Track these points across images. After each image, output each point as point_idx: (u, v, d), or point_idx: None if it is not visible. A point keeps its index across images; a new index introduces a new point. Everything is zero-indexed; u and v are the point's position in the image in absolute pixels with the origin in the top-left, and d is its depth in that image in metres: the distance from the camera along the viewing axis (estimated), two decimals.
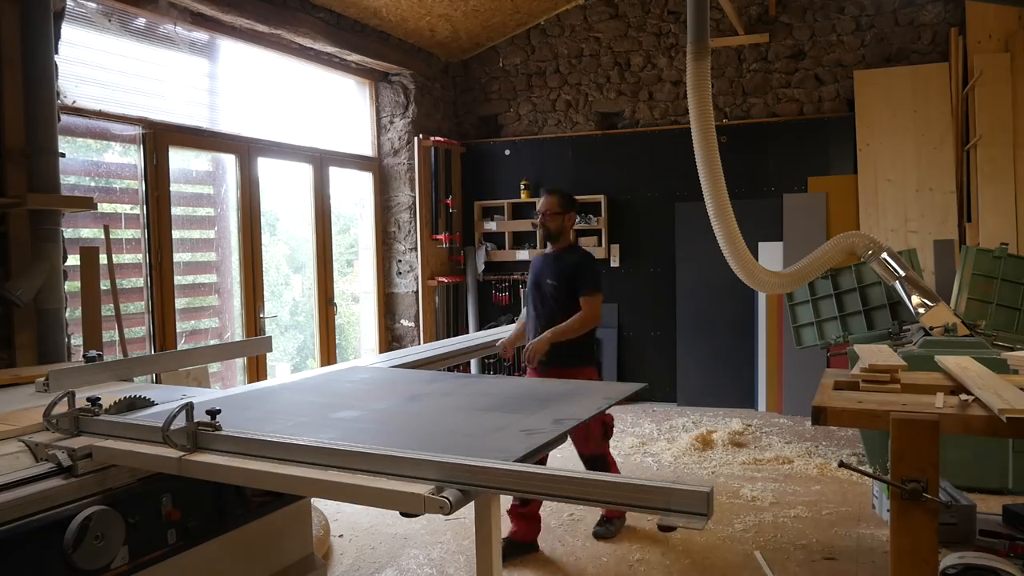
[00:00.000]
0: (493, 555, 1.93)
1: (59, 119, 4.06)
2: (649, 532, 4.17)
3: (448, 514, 1.62)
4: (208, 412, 1.94)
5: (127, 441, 1.99)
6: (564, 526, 4.28)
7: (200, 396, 2.75)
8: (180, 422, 1.90)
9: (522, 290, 7.87)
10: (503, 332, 5.11)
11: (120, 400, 2.49)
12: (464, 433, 2.02)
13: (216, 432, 1.91)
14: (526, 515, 3.94)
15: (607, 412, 3.87)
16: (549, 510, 4.53)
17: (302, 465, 1.78)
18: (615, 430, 6.44)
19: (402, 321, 7.55)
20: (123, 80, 4.90)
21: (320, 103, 6.91)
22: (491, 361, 7.86)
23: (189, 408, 1.91)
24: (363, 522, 4.45)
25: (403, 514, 1.73)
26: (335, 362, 6.41)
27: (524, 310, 4.35)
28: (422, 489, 1.63)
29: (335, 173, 6.86)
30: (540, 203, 4.16)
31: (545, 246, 4.25)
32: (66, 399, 2.09)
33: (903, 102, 6.68)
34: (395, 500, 1.65)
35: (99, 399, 2.15)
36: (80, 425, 2.09)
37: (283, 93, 6.40)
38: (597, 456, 4.04)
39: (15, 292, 3.73)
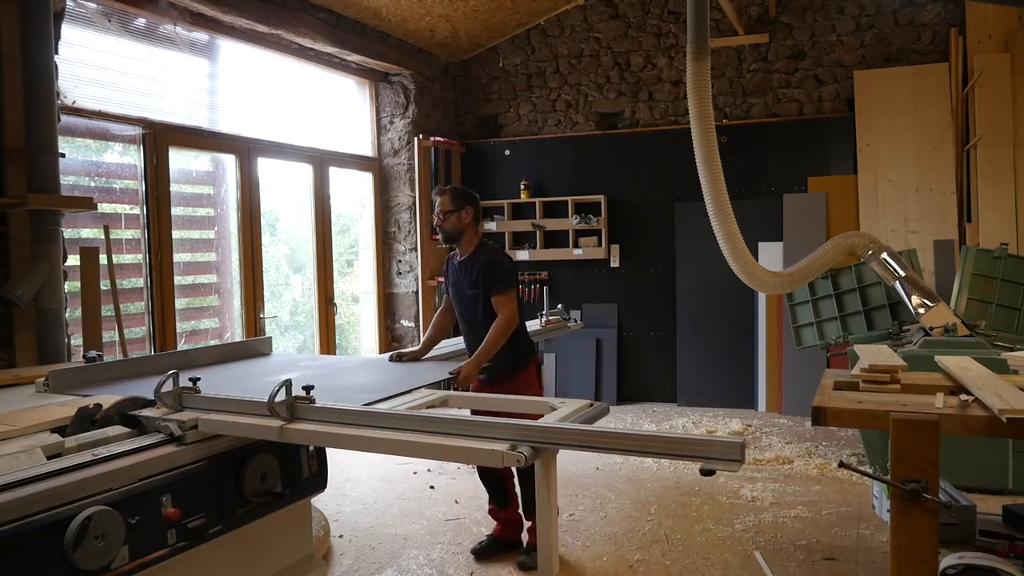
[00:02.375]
0: (551, 504, 2.38)
1: (59, 119, 4.06)
2: (649, 532, 4.17)
3: (523, 466, 1.93)
4: (304, 388, 2.26)
5: (228, 414, 2.29)
6: (564, 527, 4.28)
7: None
8: (280, 396, 2.21)
9: (523, 289, 7.87)
10: (530, 324, 5.09)
11: (121, 401, 2.49)
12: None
13: (311, 404, 2.24)
14: (505, 520, 3.97)
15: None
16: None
17: (386, 430, 2.11)
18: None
19: (402, 321, 7.55)
20: (123, 80, 4.90)
21: (320, 103, 6.91)
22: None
23: (288, 384, 2.22)
24: (363, 522, 4.46)
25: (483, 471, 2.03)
26: None
27: (436, 318, 4.04)
28: (501, 446, 1.94)
29: (335, 173, 6.87)
30: (435, 205, 3.87)
31: (452, 249, 3.92)
32: (171, 379, 2.37)
33: (903, 102, 6.69)
34: (479, 456, 1.98)
35: (199, 379, 2.45)
36: (184, 401, 2.37)
37: (283, 93, 6.40)
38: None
39: (15, 292, 3.73)
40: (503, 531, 3.99)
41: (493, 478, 3.95)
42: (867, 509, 4.43)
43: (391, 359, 3.62)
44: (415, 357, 3.70)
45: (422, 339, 4.00)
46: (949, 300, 5.31)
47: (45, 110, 3.92)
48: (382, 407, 2.37)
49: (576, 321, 5.66)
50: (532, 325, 5.12)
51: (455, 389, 3.26)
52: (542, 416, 2.43)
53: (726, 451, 1.80)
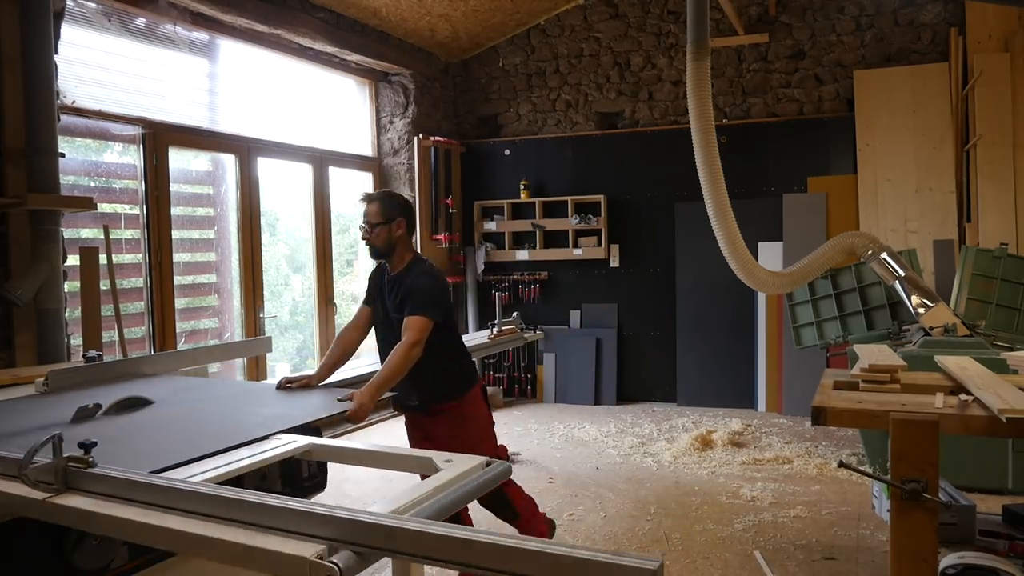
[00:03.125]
0: None
1: (59, 119, 4.06)
2: (649, 532, 4.17)
3: None
4: (81, 445, 1.69)
5: None
6: (564, 526, 4.28)
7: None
8: (45, 455, 1.68)
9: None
10: (476, 338, 4.73)
11: (120, 400, 2.50)
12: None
13: (89, 469, 1.66)
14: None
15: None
16: (548, 510, 4.53)
17: (177, 512, 1.55)
18: (613, 432, 6.44)
19: None
20: (123, 80, 4.90)
21: (320, 103, 6.91)
22: (491, 360, 7.86)
23: (57, 440, 1.67)
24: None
25: None
26: None
27: (343, 334, 3.44)
28: (308, 550, 1.36)
29: (335, 173, 6.86)
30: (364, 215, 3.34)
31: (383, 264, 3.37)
32: None
33: (903, 102, 6.68)
34: (274, 563, 1.38)
35: None
36: None
37: (283, 93, 6.40)
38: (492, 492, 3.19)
39: (15, 292, 3.73)
40: None
41: (490, 499, 3.42)
42: (867, 509, 4.43)
43: (278, 386, 3.07)
44: (307, 384, 3.11)
45: (324, 360, 3.36)
46: (949, 300, 5.31)
47: (45, 110, 3.92)
48: (178, 475, 1.80)
49: (535, 331, 5.26)
50: (480, 338, 4.78)
51: (349, 421, 2.68)
52: (426, 476, 1.89)
53: None
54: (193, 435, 2.23)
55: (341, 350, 3.35)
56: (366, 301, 3.44)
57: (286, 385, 3.05)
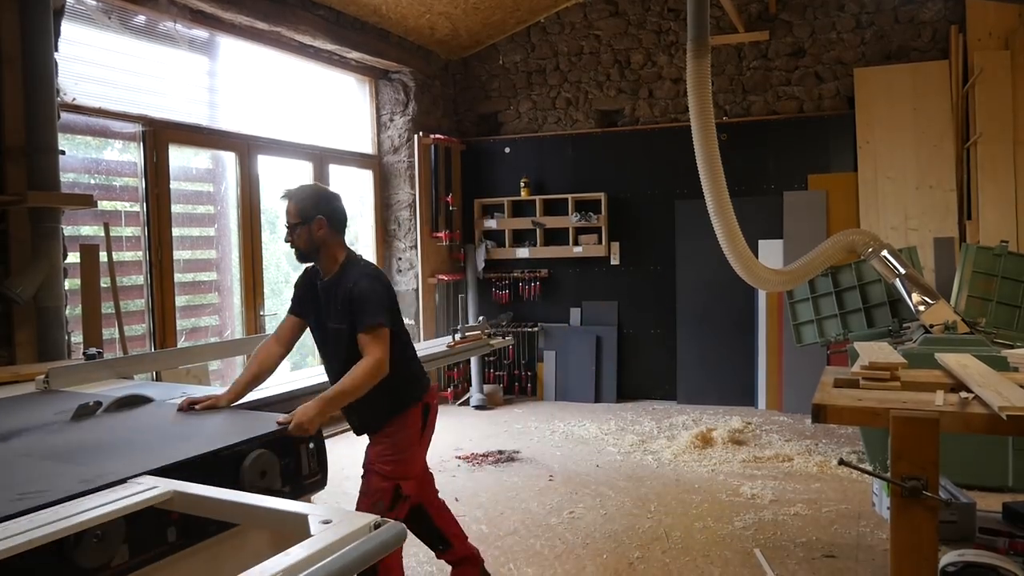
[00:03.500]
0: None
1: (59, 117, 4.06)
2: (649, 529, 4.17)
3: None
4: None
5: None
6: (564, 524, 4.29)
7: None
8: None
9: (523, 286, 7.87)
10: (433, 346, 4.37)
11: (121, 398, 2.50)
12: None
13: None
14: (461, 560, 3.33)
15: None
16: (548, 508, 4.54)
17: None
18: (611, 434, 6.43)
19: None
20: (123, 78, 4.89)
21: (320, 101, 6.91)
22: (491, 359, 7.86)
23: None
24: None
25: None
26: None
27: (262, 347, 3.03)
28: None
29: (335, 171, 6.86)
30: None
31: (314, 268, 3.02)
32: None
33: (903, 99, 6.68)
34: None
35: None
36: None
37: (283, 91, 6.39)
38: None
39: (15, 290, 3.73)
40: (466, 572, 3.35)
41: (424, 530, 3.26)
42: (867, 507, 4.43)
43: (179, 409, 2.61)
44: (213, 405, 2.65)
45: (239, 377, 2.91)
46: (949, 297, 5.31)
47: (45, 107, 3.92)
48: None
49: (503, 337, 4.92)
50: (438, 345, 4.44)
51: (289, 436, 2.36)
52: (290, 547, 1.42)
53: None
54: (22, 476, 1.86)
55: (258, 366, 2.92)
56: (292, 311, 3.04)
57: (188, 407, 2.60)
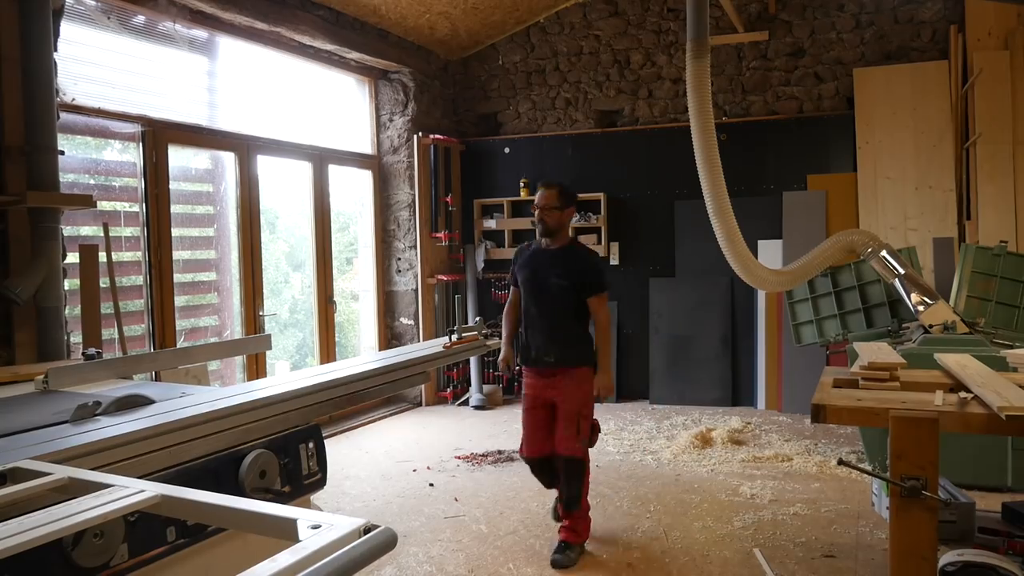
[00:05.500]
0: None
1: (58, 117, 4.06)
2: (649, 529, 4.18)
3: None
4: None
5: None
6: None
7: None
8: None
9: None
10: (430, 347, 4.44)
11: (120, 398, 2.49)
12: None
13: None
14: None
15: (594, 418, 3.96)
16: (548, 508, 4.53)
17: None
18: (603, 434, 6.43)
19: (401, 319, 7.55)
20: (122, 78, 4.89)
21: (320, 101, 6.91)
22: (491, 359, 7.85)
23: None
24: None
25: None
26: (335, 359, 6.41)
27: (506, 314, 4.19)
28: None
29: (334, 171, 6.86)
30: (538, 197, 3.91)
31: (540, 241, 3.98)
32: None
33: (903, 100, 6.68)
34: None
35: None
36: None
37: (282, 91, 6.39)
38: (576, 459, 3.84)
39: (15, 290, 3.73)
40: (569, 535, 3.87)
41: (546, 476, 4.06)
42: (866, 506, 4.43)
43: (503, 373, 4.21)
44: (509, 358, 4.13)
45: (503, 336, 4.11)
46: (948, 297, 5.31)
47: (44, 107, 3.92)
48: None
49: (499, 339, 4.78)
50: (435, 346, 4.31)
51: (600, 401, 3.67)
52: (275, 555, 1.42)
53: None
54: None
55: (513, 326, 4.13)
56: (513, 283, 4.09)
57: (507, 369, 4.19)
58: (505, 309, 4.21)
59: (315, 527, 1.46)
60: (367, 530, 1.44)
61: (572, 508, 3.81)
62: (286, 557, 1.33)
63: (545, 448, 3.91)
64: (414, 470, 5.40)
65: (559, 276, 3.83)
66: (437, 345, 4.38)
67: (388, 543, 1.44)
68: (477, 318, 4.98)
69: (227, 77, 5.79)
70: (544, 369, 3.89)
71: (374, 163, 7.51)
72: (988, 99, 6.36)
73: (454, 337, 4.28)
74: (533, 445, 3.96)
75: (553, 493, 4.12)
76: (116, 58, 4.87)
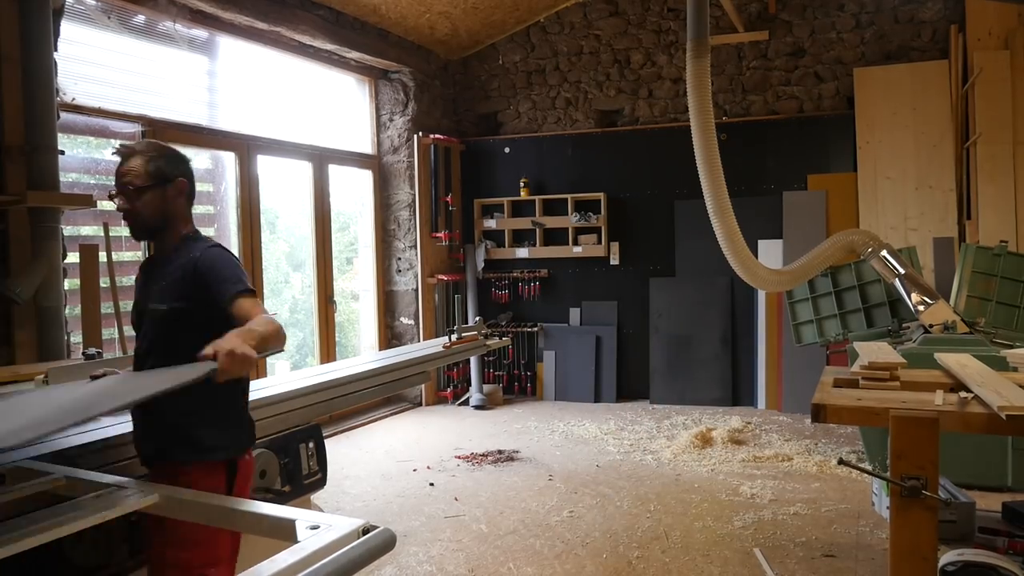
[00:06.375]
0: None
1: (58, 116, 4.06)
2: (649, 529, 4.17)
3: None
4: None
5: None
6: (564, 523, 4.29)
7: None
8: None
9: (523, 286, 7.88)
10: (430, 346, 4.28)
11: None
12: None
13: None
14: None
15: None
16: (548, 508, 4.54)
17: None
18: (609, 435, 6.43)
19: (402, 319, 7.55)
20: (122, 77, 4.89)
21: (320, 101, 6.91)
22: (491, 358, 7.86)
23: None
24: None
25: None
26: (335, 359, 6.41)
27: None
28: None
29: (335, 171, 6.86)
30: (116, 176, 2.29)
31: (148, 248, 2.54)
32: None
33: (903, 99, 6.68)
34: None
35: None
36: None
37: (282, 91, 6.39)
38: None
39: (15, 289, 3.73)
40: None
41: None
42: (866, 506, 4.43)
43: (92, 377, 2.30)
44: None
45: (436, 343, 2.97)
46: (949, 297, 5.31)
47: (44, 107, 3.92)
48: None
49: (500, 338, 4.84)
50: (435, 346, 4.31)
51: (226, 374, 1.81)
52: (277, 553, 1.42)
53: None
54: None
55: None
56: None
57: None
58: None
59: (314, 528, 1.47)
60: (366, 531, 1.46)
61: None
62: (285, 557, 1.34)
63: None
64: (414, 470, 5.40)
65: (159, 297, 2.25)
66: (437, 345, 4.39)
67: (387, 544, 1.45)
68: (477, 318, 4.98)
69: (227, 77, 5.79)
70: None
71: (374, 163, 7.51)
72: (988, 99, 6.36)
73: (454, 337, 4.29)
74: None
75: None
76: (116, 58, 4.87)
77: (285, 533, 1.54)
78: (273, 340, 2.04)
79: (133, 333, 2.34)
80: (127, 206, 2.24)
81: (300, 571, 1.29)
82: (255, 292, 2.24)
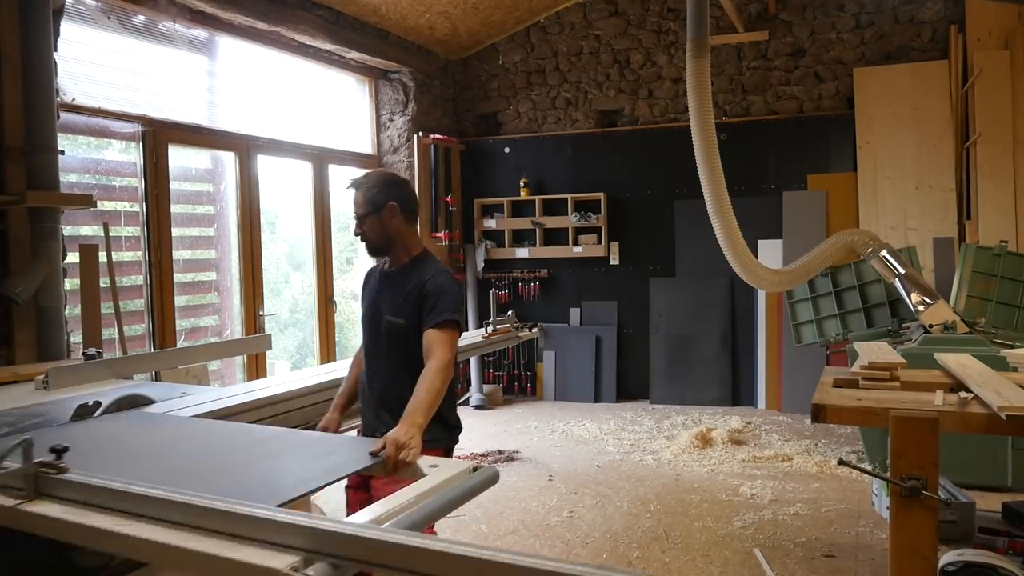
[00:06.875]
0: None
1: (58, 116, 4.06)
2: (649, 529, 4.17)
3: None
4: (53, 450, 1.61)
5: None
6: (564, 524, 4.29)
7: (199, 394, 2.74)
8: (14, 460, 1.60)
9: (523, 286, 7.88)
10: (470, 337, 4.46)
11: (120, 398, 2.49)
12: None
13: (61, 476, 1.59)
14: None
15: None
16: (548, 508, 4.54)
17: (150, 521, 1.48)
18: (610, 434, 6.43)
19: None
20: (122, 77, 4.89)
21: (320, 101, 6.91)
22: (491, 359, 7.86)
23: (28, 446, 1.59)
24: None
25: None
26: (335, 360, 6.41)
27: (354, 358, 2.93)
28: (282, 562, 1.30)
29: (335, 171, 6.86)
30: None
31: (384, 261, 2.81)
32: None
33: (903, 100, 6.68)
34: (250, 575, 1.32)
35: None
36: None
37: (282, 91, 6.39)
38: None
39: (15, 290, 3.73)
40: None
41: None
42: (866, 506, 4.43)
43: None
44: (335, 427, 2.73)
45: (335, 396, 2.85)
46: (949, 297, 5.31)
47: (44, 107, 3.92)
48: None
49: (530, 330, 5.07)
50: (474, 337, 4.55)
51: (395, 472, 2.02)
52: (407, 484, 1.79)
53: None
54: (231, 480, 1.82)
55: (355, 382, 2.83)
56: (363, 320, 2.82)
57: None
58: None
59: (433, 466, 1.91)
60: (475, 469, 1.86)
61: None
62: (413, 489, 1.72)
63: None
64: None
65: (393, 309, 2.66)
66: (476, 336, 4.54)
67: (492, 478, 1.86)
68: (509, 312, 5.18)
69: (227, 77, 5.79)
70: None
71: (374, 163, 7.51)
72: (988, 99, 6.36)
73: (490, 329, 4.56)
74: None
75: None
76: (116, 58, 4.87)
77: (413, 472, 1.96)
78: (437, 399, 2.39)
79: (361, 329, 2.81)
80: (358, 231, 2.69)
81: (428, 498, 1.68)
82: (456, 322, 2.58)
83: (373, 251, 2.75)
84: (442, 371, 2.43)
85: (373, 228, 2.66)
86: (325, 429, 2.68)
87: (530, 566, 1.17)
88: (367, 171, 2.90)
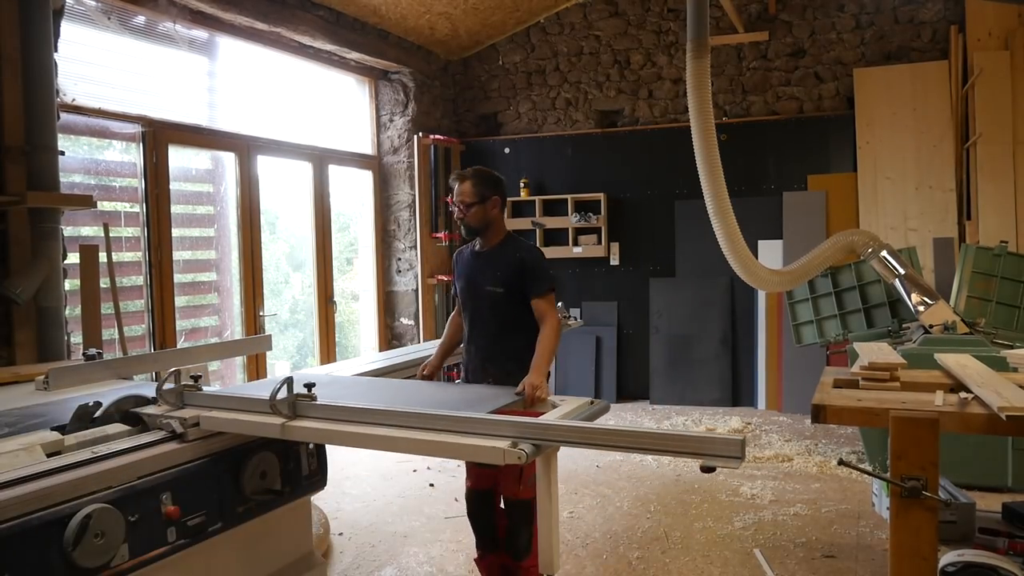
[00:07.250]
0: (552, 502, 2.23)
1: (58, 117, 4.06)
2: (649, 530, 4.17)
3: (524, 463, 1.98)
4: (305, 385, 2.26)
5: (230, 411, 2.30)
6: (564, 524, 4.29)
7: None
8: (282, 394, 2.22)
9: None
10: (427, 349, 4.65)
11: (121, 398, 2.49)
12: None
13: (313, 402, 2.25)
14: (490, 565, 3.42)
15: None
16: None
17: (390, 427, 2.13)
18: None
19: (402, 319, 7.55)
20: (122, 78, 4.89)
21: (320, 101, 6.91)
22: None
23: (290, 382, 2.23)
24: (363, 520, 4.46)
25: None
26: (335, 360, 6.41)
27: (451, 320, 3.54)
28: (502, 443, 1.98)
29: (335, 171, 6.86)
30: (453, 193, 3.29)
31: (472, 242, 3.36)
32: (172, 376, 2.40)
33: (903, 100, 6.68)
34: (480, 453, 2.01)
35: (199, 376, 2.46)
36: (185, 399, 2.39)
37: (282, 91, 6.39)
38: (524, 501, 3.19)
39: (15, 290, 3.73)
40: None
41: (484, 519, 3.45)
42: (867, 507, 4.43)
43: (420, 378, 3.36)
44: (434, 371, 3.42)
45: (437, 344, 3.55)
46: (949, 298, 5.31)
47: (45, 108, 3.92)
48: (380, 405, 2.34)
49: (576, 319, 5.49)
50: (434, 347, 4.65)
51: (532, 406, 2.69)
52: (543, 414, 2.36)
53: (727, 448, 1.83)
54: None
55: (453, 335, 3.50)
56: (455, 284, 3.45)
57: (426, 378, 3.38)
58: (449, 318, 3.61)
59: (562, 400, 2.62)
60: (591, 402, 2.55)
61: (521, 558, 3.26)
62: (553, 413, 2.39)
63: (489, 482, 3.36)
64: (414, 470, 5.40)
65: (494, 281, 3.21)
66: (435, 346, 4.38)
67: (604, 408, 2.61)
68: (559, 303, 5.18)
69: (227, 77, 5.79)
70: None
71: (374, 163, 7.51)
72: (988, 99, 6.36)
73: None
74: (478, 477, 3.40)
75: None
76: (116, 58, 4.87)
77: (545, 406, 2.63)
78: (554, 353, 3.12)
79: (460, 303, 3.41)
80: (461, 216, 3.22)
81: (562, 420, 2.27)
82: (553, 288, 3.22)
83: (471, 233, 3.29)
84: (555, 330, 3.13)
85: (476, 215, 3.21)
86: (428, 370, 3.40)
87: (662, 432, 1.97)
88: (470, 167, 3.44)
